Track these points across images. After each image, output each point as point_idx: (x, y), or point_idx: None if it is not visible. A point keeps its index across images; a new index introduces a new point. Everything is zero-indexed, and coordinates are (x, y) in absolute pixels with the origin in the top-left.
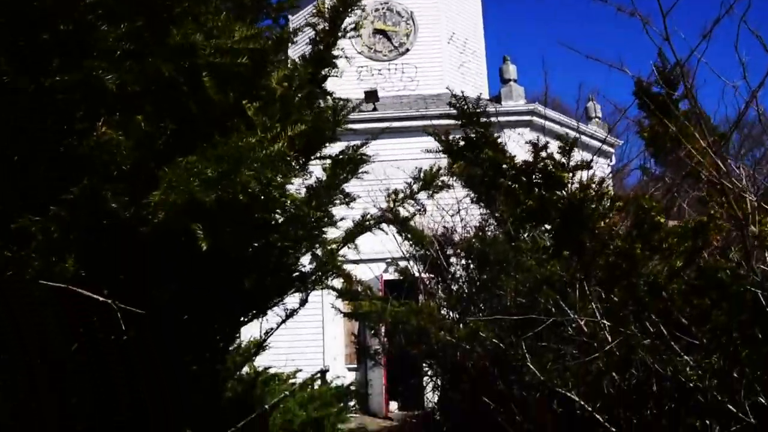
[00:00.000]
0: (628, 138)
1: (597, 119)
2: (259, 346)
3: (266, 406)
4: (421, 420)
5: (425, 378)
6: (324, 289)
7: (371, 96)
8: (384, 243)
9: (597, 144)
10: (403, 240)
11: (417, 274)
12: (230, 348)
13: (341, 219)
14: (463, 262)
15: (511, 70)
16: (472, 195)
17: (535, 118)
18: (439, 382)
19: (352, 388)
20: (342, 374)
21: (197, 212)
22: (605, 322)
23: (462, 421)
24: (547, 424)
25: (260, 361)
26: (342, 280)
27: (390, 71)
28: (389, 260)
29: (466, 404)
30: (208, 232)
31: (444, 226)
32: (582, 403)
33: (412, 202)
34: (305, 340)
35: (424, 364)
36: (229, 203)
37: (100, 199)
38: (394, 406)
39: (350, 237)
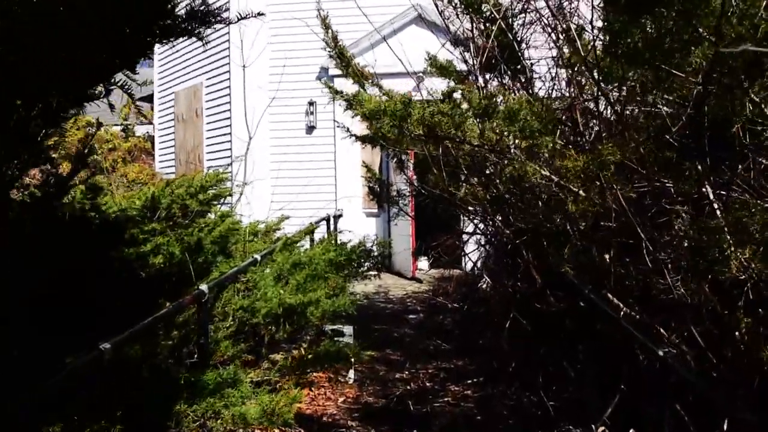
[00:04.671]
0: None
1: None
2: None
3: (203, 289)
4: (459, 286)
5: (464, 236)
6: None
7: None
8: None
9: None
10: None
11: (467, 69)
12: None
13: None
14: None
15: None
16: None
17: None
18: (488, 246)
19: (369, 245)
20: (356, 224)
21: None
22: None
23: (532, 308)
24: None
25: (251, 211)
26: (352, 80)
27: None
28: (420, 74)
29: (554, 289)
30: None
31: None
32: None
33: None
34: (314, 176)
35: (465, 215)
36: None
37: None
38: (423, 263)
39: None
